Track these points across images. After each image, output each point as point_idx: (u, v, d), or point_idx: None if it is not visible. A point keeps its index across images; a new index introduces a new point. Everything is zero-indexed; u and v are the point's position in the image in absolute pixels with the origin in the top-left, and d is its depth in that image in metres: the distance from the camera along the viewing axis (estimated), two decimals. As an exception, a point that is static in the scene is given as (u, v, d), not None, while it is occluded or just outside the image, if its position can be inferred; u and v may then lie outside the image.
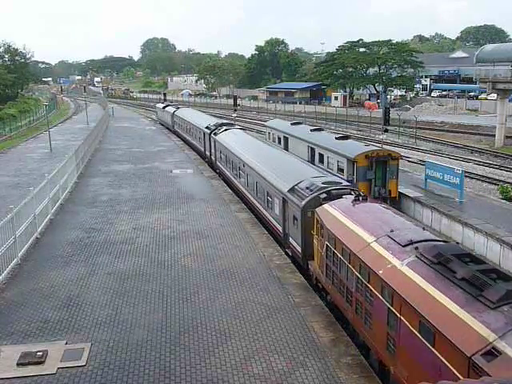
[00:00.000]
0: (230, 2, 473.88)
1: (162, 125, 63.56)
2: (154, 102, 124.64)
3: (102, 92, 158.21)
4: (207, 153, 35.44)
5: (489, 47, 55.26)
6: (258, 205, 21.33)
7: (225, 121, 40.33)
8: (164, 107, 63.26)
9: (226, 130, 31.64)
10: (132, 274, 14.92)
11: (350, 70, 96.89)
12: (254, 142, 27.93)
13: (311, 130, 30.77)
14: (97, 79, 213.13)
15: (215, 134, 32.20)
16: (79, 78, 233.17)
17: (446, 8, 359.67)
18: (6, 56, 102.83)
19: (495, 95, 57.04)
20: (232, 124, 35.96)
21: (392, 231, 10.63)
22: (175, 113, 53.73)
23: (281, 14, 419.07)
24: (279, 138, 34.22)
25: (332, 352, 10.74)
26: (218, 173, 31.02)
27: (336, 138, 27.09)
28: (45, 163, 34.39)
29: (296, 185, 16.78)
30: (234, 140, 28.56)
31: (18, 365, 10.26)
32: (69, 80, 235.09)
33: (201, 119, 41.96)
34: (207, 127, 35.36)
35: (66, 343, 11.09)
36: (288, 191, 16.95)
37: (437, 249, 9.21)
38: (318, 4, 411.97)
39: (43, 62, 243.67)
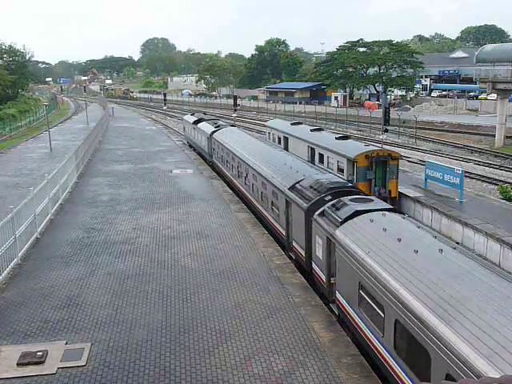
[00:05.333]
0: (231, 2, 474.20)
1: (192, 147, 42.35)
2: (153, 102, 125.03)
3: (101, 92, 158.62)
4: (299, 251, 16.00)
5: (489, 47, 55.17)
6: None
7: (337, 178, 17.62)
8: (195, 122, 39.87)
9: (358, 212, 12.65)
10: (132, 274, 14.92)
11: (350, 70, 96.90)
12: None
13: (311, 130, 30.76)
14: (108, 81, 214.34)
15: (331, 219, 13.17)
16: (84, 78, 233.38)
17: (446, 8, 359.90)
18: (6, 56, 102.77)
19: (495, 95, 57.03)
20: (357, 191, 15.67)
21: None
22: (214, 135, 32.85)
23: (281, 14, 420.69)
24: (279, 138, 34.21)
25: (332, 352, 10.74)
26: (340, 319, 12.43)
27: (336, 138, 27.08)
28: (45, 163, 34.40)
29: None
30: (403, 262, 9.93)
31: (17, 365, 10.26)
32: (69, 80, 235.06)
33: (271, 159, 21.82)
34: (300, 192, 16.20)
35: (66, 343, 11.09)
36: None
37: None
38: (319, 4, 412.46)
39: (43, 62, 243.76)
